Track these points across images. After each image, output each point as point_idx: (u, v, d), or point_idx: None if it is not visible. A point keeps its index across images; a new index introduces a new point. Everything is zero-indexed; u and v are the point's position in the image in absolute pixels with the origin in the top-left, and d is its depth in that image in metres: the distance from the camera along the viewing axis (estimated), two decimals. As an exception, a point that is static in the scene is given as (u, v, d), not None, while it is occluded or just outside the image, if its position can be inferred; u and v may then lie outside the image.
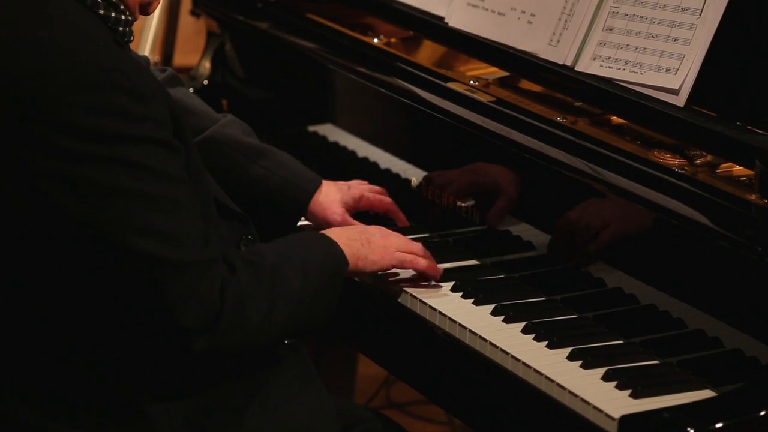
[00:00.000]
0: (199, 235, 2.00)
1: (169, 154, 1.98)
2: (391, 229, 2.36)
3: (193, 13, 3.30)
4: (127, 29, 2.07)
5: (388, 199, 2.60)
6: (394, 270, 2.36)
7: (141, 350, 2.04)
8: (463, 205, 2.54)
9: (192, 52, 3.44)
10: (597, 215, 2.30)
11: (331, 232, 2.28)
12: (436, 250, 2.45)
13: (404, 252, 2.32)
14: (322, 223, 2.54)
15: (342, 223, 2.52)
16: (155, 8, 2.14)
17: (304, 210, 2.54)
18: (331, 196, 2.56)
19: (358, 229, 2.34)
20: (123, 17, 2.05)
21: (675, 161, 2.24)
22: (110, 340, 2.03)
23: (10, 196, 1.95)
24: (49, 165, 1.92)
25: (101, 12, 2.02)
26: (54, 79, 1.91)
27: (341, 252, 2.23)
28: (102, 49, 1.96)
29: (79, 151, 1.91)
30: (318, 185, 2.56)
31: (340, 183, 2.60)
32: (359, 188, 2.60)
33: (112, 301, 1.99)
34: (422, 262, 2.34)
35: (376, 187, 2.61)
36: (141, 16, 2.14)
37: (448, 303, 2.31)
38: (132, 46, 2.15)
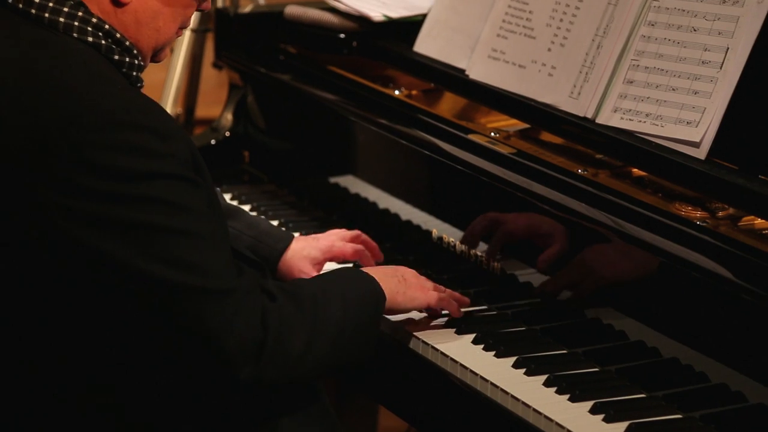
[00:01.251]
0: (232, 266, 2.02)
1: (192, 189, 2.00)
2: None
3: (216, 65, 3.33)
4: (139, 75, 2.11)
5: (358, 247, 2.58)
6: (413, 318, 2.38)
7: (179, 393, 2.05)
8: (484, 257, 2.54)
9: (214, 103, 3.46)
10: (618, 267, 2.30)
11: (370, 271, 2.28)
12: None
13: (434, 289, 2.34)
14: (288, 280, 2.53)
15: None
16: (165, 56, 2.18)
17: (274, 269, 2.52)
18: (298, 253, 2.54)
19: (392, 267, 2.36)
20: (136, 62, 2.09)
21: (696, 214, 2.24)
22: (151, 383, 2.04)
23: (42, 242, 1.96)
24: (80, 208, 1.94)
25: (116, 57, 2.06)
26: (76, 121, 1.94)
27: (379, 286, 2.23)
28: (121, 91, 2.00)
29: (107, 191, 1.94)
30: (288, 243, 2.54)
31: (310, 237, 2.60)
32: (329, 239, 2.58)
33: (153, 342, 2.00)
34: (455, 304, 2.37)
35: (351, 233, 2.59)
36: (159, 65, 2.17)
37: (469, 354, 2.30)
38: (155, 98, 2.17)
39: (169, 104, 3.71)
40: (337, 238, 2.58)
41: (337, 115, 2.92)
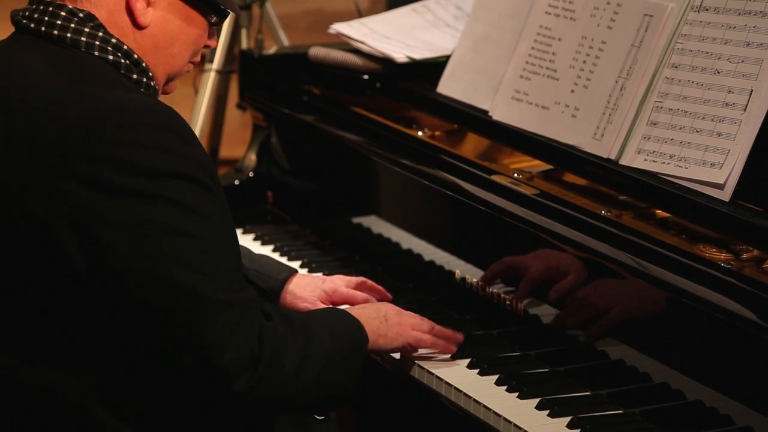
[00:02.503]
0: (238, 278, 2.05)
1: (209, 196, 2.03)
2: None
3: (240, 106, 3.34)
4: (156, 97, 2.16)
5: (362, 295, 2.57)
6: (435, 356, 2.39)
7: (173, 402, 2.06)
8: (508, 298, 2.53)
9: (238, 144, 3.47)
10: (641, 309, 2.29)
11: (351, 310, 2.31)
12: (481, 344, 2.45)
13: (419, 331, 2.35)
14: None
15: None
16: (174, 89, 2.23)
17: (276, 298, 2.54)
18: (304, 285, 2.56)
19: (374, 306, 2.39)
20: (152, 84, 2.14)
21: (721, 256, 2.23)
22: (145, 390, 2.06)
23: (55, 233, 1.99)
24: (97, 201, 1.97)
25: (134, 77, 2.11)
26: (103, 119, 1.99)
27: (363, 328, 2.26)
28: (145, 97, 2.07)
29: (127, 187, 1.97)
30: (290, 274, 2.57)
31: (316, 276, 2.62)
32: (334, 282, 2.58)
33: (150, 348, 2.02)
34: (437, 342, 2.37)
35: (355, 280, 2.59)
36: (183, 105, 2.20)
37: (491, 395, 2.29)
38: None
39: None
40: (342, 284, 2.58)
41: (361, 155, 2.93)
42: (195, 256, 1.99)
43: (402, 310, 2.38)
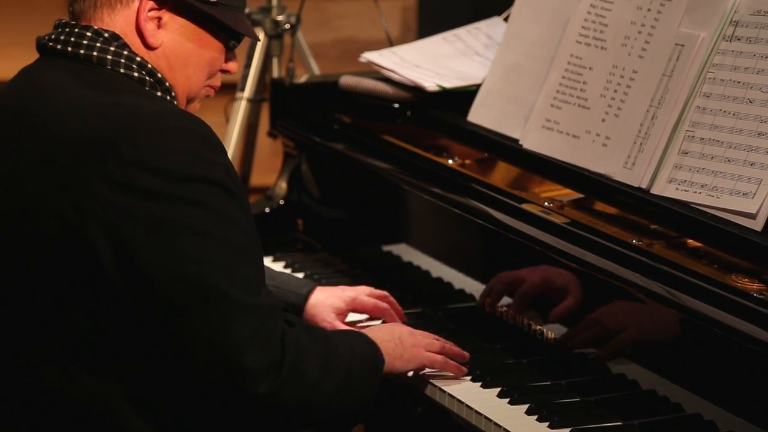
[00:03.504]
0: (262, 284, 2.07)
1: (236, 202, 2.06)
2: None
3: (271, 134, 3.35)
4: None
5: (383, 305, 2.60)
6: (464, 381, 2.40)
7: (199, 404, 2.08)
8: (538, 327, 2.52)
9: (269, 172, 3.48)
10: (673, 339, 2.28)
11: (369, 333, 2.32)
12: (509, 372, 2.44)
13: (430, 349, 2.37)
14: None
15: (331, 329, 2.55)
16: (195, 110, 2.24)
17: (300, 313, 2.56)
18: (322, 302, 2.58)
19: (387, 328, 2.40)
20: (175, 103, 2.17)
21: (753, 286, 2.22)
22: (171, 392, 2.07)
23: (86, 237, 2.01)
24: (126, 201, 1.99)
25: (158, 95, 2.15)
26: (133, 125, 2.02)
27: (380, 350, 2.28)
28: (173, 105, 2.12)
29: (156, 190, 2.00)
30: (312, 288, 2.59)
31: (337, 287, 2.63)
32: (356, 290, 2.61)
33: (176, 347, 2.03)
34: (449, 364, 2.39)
35: (379, 292, 2.62)
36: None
37: (521, 424, 2.28)
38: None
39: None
40: (364, 292, 2.61)
41: (391, 183, 2.93)
42: (221, 258, 2.01)
43: (414, 330, 2.39)
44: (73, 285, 2.04)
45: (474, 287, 2.71)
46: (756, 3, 2.43)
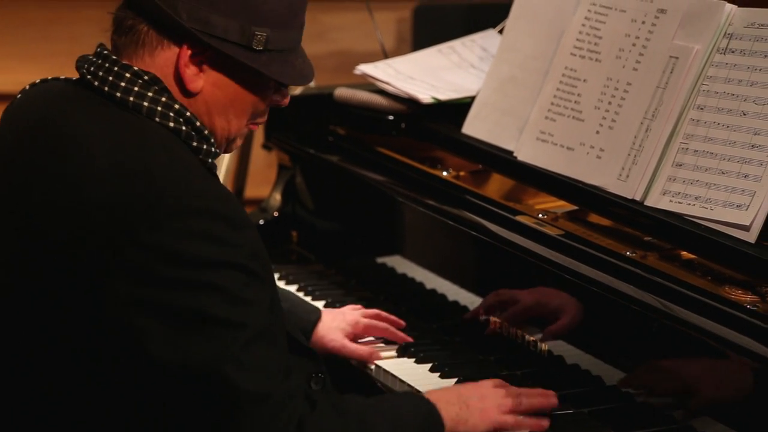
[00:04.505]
0: (280, 368, 1.99)
1: (256, 284, 1.99)
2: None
3: (265, 146, 3.36)
4: (214, 162, 2.11)
5: (382, 324, 2.59)
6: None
7: None
8: (532, 338, 2.52)
9: (263, 184, 3.48)
10: (667, 350, 2.28)
11: (429, 394, 2.23)
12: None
13: (505, 413, 2.24)
14: (322, 352, 2.51)
15: (341, 349, 2.53)
16: (237, 147, 2.18)
17: (308, 338, 2.52)
18: (328, 324, 2.56)
19: (456, 391, 2.27)
20: (213, 150, 2.10)
21: (746, 298, 2.22)
22: None
23: (96, 318, 1.97)
24: (141, 289, 1.94)
25: (194, 144, 2.07)
26: (152, 205, 1.95)
27: (438, 414, 2.17)
28: (199, 178, 2.01)
29: (172, 276, 1.94)
30: (319, 315, 2.57)
31: (336, 311, 2.61)
32: (353, 314, 2.60)
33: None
34: (523, 422, 2.25)
35: (370, 311, 2.62)
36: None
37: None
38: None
39: (219, 171, 3.74)
40: (360, 315, 2.60)
41: (385, 195, 2.93)
42: (236, 347, 1.95)
43: (486, 392, 2.26)
44: (83, 357, 2.00)
45: (468, 299, 2.71)
46: (750, 16, 2.44)
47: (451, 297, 2.76)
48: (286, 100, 2.18)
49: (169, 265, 1.93)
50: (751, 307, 2.19)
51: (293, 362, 2.15)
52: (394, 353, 2.60)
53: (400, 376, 2.50)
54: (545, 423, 2.28)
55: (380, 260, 2.99)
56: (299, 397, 2.01)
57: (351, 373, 2.58)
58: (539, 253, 2.49)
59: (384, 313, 2.64)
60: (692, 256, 2.41)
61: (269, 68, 2.08)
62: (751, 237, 2.29)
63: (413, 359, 2.57)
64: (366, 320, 2.60)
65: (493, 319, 2.61)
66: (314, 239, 3.20)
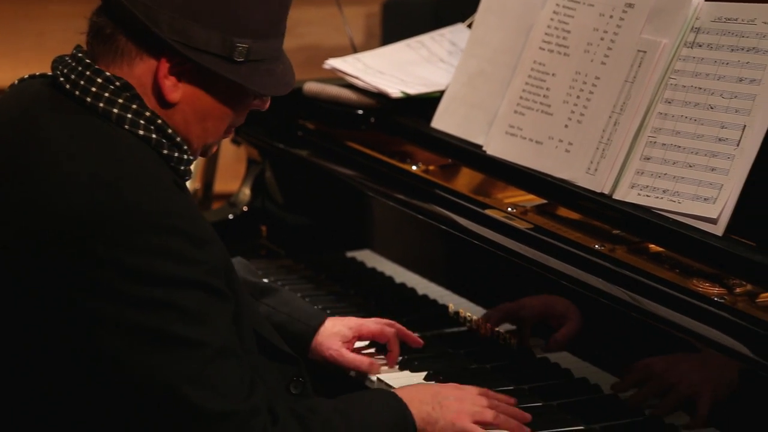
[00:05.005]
0: (243, 384, 1.97)
1: (218, 302, 1.97)
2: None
3: (234, 141, 3.35)
4: (188, 168, 2.09)
5: (391, 330, 2.50)
6: None
7: None
8: (501, 331, 2.53)
9: (232, 178, 3.48)
10: (635, 343, 2.29)
11: (402, 392, 2.20)
12: (473, 377, 2.44)
13: (476, 421, 2.21)
14: (321, 360, 2.49)
15: (337, 357, 2.46)
16: (214, 151, 2.16)
17: (307, 346, 2.48)
18: (328, 330, 2.49)
19: (432, 390, 2.25)
20: (185, 157, 2.07)
21: (714, 290, 2.23)
22: None
23: (54, 335, 1.95)
24: (99, 305, 1.92)
25: (165, 152, 2.04)
26: (113, 220, 1.92)
27: (410, 415, 2.15)
28: (163, 192, 1.97)
29: (131, 293, 1.91)
30: (322, 320, 2.50)
31: (343, 318, 2.53)
32: (357, 319, 2.52)
33: None
34: (512, 422, 2.23)
35: (387, 321, 2.53)
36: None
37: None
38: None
39: (192, 176, 3.73)
40: (372, 321, 2.52)
41: (355, 190, 2.93)
42: (195, 365, 1.93)
43: (465, 395, 2.24)
44: (44, 366, 1.97)
45: (437, 293, 2.72)
46: (717, 10, 2.45)
47: (420, 291, 2.77)
48: (267, 105, 2.16)
49: (128, 281, 1.91)
50: (719, 300, 2.20)
51: (270, 368, 2.15)
52: (396, 368, 2.51)
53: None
54: (525, 428, 2.24)
55: (350, 254, 2.99)
56: (262, 412, 1.98)
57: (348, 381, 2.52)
58: (508, 246, 2.50)
59: (399, 325, 2.52)
60: (660, 249, 2.42)
61: (250, 80, 2.05)
62: (719, 230, 2.30)
63: (408, 369, 2.51)
64: (372, 323, 2.50)
65: (462, 312, 2.62)
66: (284, 234, 3.20)
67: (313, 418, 2.06)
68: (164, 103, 2.04)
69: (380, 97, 3.00)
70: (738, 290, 2.24)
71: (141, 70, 2.04)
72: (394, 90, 2.99)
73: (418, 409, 2.17)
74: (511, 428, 2.23)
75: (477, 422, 2.21)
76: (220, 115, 2.08)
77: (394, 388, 2.39)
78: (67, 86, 2.04)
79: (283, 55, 2.13)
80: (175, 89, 2.04)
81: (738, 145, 2.33)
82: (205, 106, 2.06)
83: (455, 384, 2.30)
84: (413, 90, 2.99)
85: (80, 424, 1.99)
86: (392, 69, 3.10)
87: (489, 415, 2.22)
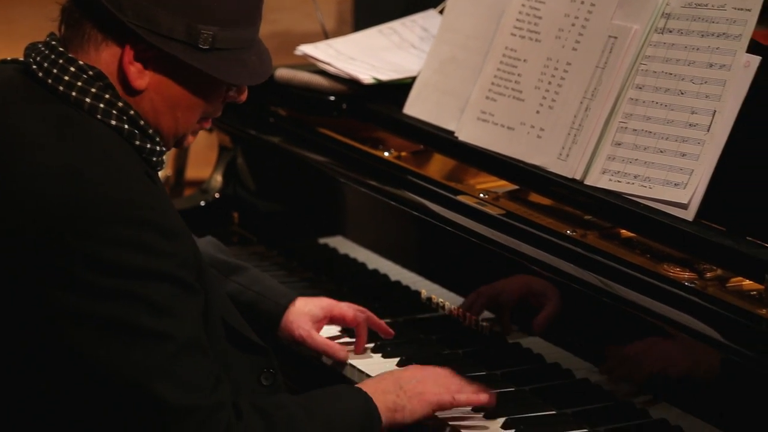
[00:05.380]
0: (208, 379, 1.96)
1: (187, 296, 1.96)
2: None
3: (206, 127, 3.34)
4: (160, 159, 2.08)
5: (362, 316, 2.50)
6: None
7: None
8: (473, 317, 2.54)
9: (204, 165, 3.47)
10: (606, 328, 2.30)
11: (365, 385, 2.20)
12: (445, 363, 2.45)
13: (443, 393, 2.22)
14: (290, 339, 2.49)
15: (306, 338, 2.46)
16: (191, 142, 2.13)
17: (277, 323, 2.48)
18: (300, 310, 2.49)
19: (393, 376, 2.24)
20: (157, 148, 2.06)
21: (685, 275, 2.24)
22: None
23: (22, 324, 1.94)
24: (68, 296, 1.90)
25: (137, 143, 2.03)
26: (83, 211, 1.91)
27: (374, 408, 2.14)
28: (134, 183, 1.96)
29: (100, 285, 1.90)
30: (291, 299, 2.50)
31: (315, 298, 2.54)
32: (329, 300, 2.52)
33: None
34: (462, 399, 2.23)
35: (356, 306, 2.54)
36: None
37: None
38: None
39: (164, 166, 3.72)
40: (345, 304, 2.53)
41: (327, 176, 2.93)
42: (160, 359, 1.91)
43: (426, 374, 2.23)
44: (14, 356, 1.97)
45: (410, 279, 2.72)
46: (687, -4, 2.46)
47: (393, 277, 2.77)
48: (243, 97, 2.13)
49: (97, 273, 1.90)
50: (689, 284, 2.21)
51: (240, 359, 2.14)
52: (369, 353, 2.52)
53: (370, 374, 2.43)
54: (485, 397, 2.25)
55: (322, 241, 2.99)
56: (226, 407, 1.97)
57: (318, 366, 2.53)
58: (480, 232, 2.50)
59: (371, 313, 2.53)
60: (632, 235, 2.43)
61: (216, 68, 2.02)
62: (689, 215, 2.32)
63: (380, 353, 2.52)
64: (344, 306, 2.50)
65: (435, 298, 2.62)
66: (256, 220, 3.20)
67: (277, 413, 2.05)
68: (131, 90, 2.03)
69: (352, 83, 3.00)
70: (708, 275, 2.25)
71: (107, 56, 2.02)
72: (366, 76, 2.98)
73: (383, 399, 2.17)
74: (475, 401, 2.24)
75: (440, 402, 2.21)
76: (189, 104, 2.06)
77: (366, 374, 2.40)
78: (40, 74, 2.03)
79: (259, 45, 2.11)
80: (140, 76, 2.02)
81: (708, 131, 2.34)
82: (173, 95, 2.04)
83: (416, 366, 2.30)
84: (385, 76, 2.99)
85: (48, 416, 1.98)
86: (364, 55, 3.10)
87: (453, 384, 2.23)
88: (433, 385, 2.23)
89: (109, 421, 1.95)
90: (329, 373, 2.51)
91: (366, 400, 2.16)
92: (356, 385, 2.22)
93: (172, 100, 2.05)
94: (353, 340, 2.54)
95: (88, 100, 2.01)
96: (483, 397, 2.26)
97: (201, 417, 1.94)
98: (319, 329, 2.51)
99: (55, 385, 1.96)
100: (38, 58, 2.05)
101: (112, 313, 1.90)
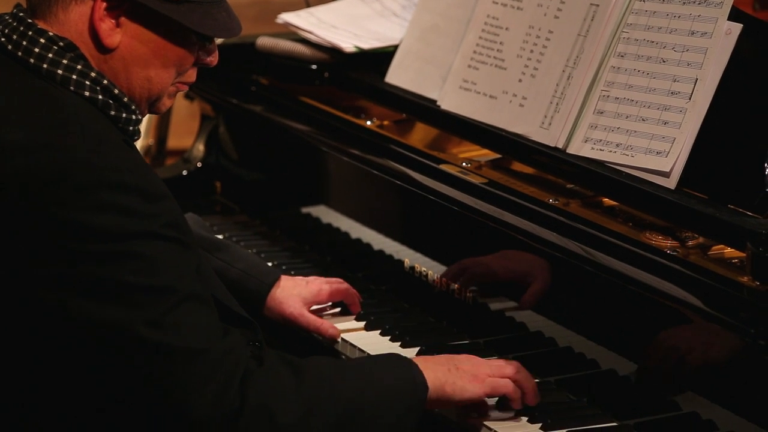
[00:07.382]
0: (217, 327, 1.97)
1: (178, 248, 1.96)
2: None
3: (187, 96, 3.33)
4: (136, 128, 2.07)
5: (344, 286, 2.53)
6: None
7: None
8: (456, 286, 2.54)
9: (186, 134, 3.46)
10: (588, 296, 2.31)
11: (416, 358, 2.15)
12: (430, 332, 2.46)
13: (499, 377, 2.16)
14: (278, 317, 2.50)
15: (298, 317, 2.48)
16: (167, 107, 2.13)
17: (262, 302, 2.49)
18: (288, 290, 2.50)
19: (446, 356, 2.19)
20: (133, 117, 2.06)
21: (667, 243, 2.25)
22: None
23: (14, 295, 1.94)
24: (58, 265, 1.90)
25: (112, 113, 2.03)
26: (64, 181, 1.91)
27: (420, 374, 2.09)
28: (113, 150, 1.96)
29: (88, 250, 1.90)
30: (276, 278, 2.51)
31: (299, 278, 2.55)
32: (316, 282, 2.54)
33: (123, 403, 1.96)
34: (516, 390, 2.17)
35: (333, 279, 2.56)
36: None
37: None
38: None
39: (141, 135, 3.71)
40: (323, 281, 2.54)
41: (309, 145, 2.93)
42: (164, 310, 1.91)
43: (480, 361, 2.17)
44: (14, 329, 1.96)
45: (393, 248, 2.73)
46: (669, -37, 2.46)
47: (376, 246, 2.77)
48: (214, 59, 2.13)
49: (83, 240, 1.89)
50: (671, 252, 2.22)
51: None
52: (353, 324, 2.54)
53: (365, 349, 2.43)
54: (537, 398, 2.19)
55: (305, 210, 2.99)
56: (242, 352, 1.97)
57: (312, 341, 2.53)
58: (463, 201, 2.50)
59: (347, 284, 2.55)
60: (614, 203, 2.44)
61: (189, 19, 2.02)
62: (671, 183, 2.32)
63: (379, 331, 2.51)
64: (328, 286, 2.53)
65: (418, 267, 2.63)
66: (238, 190, 3.20)
67: (307, 366, 2.02)
68: (102, 48, 2.02)
69: (334, 52, 2.99)
70: (690, 243, 2.26)
71: (75, 16, 2.01)
72: (348, 45, 2.98)
73: (433, 369, 2.11)
74: (525, 393, 2.18)
75: (493, 387, 2.16)
76: (162, 62, 2.05)
77: (358, 347, 2.41)
78: (9, 47, 2.02)
79: (227, 3, 2.11)
80: (112, 33, 2.01)
81: (690, 99, 2.34)
82: (145, 52, 2.04)
83: (465, 354, 2.23)
84: (367, 45, 2.98)
85: (55, 389, 1.98)
86: (346, 23, 3.09)
87: (509, 370, 2.17)
88: (488, 369, 2.17)
89: (119, 381, 1.94)
90: (316, 345, 2.52)
91: (409, 366, 2.10)
92: (412, 358, 2.15)
93: (145, 58, 2.04)
94: (338, 309, 2.56)
95: (60, 71, 1.99)
96: (531, 385, 2.19)
97: (215, 359, 1.93)
98: (308, 309, 2.52)
99: (60, 359, 1.95)
100: (6, 30, 2.03)
101: (108, 276, 1.91)
